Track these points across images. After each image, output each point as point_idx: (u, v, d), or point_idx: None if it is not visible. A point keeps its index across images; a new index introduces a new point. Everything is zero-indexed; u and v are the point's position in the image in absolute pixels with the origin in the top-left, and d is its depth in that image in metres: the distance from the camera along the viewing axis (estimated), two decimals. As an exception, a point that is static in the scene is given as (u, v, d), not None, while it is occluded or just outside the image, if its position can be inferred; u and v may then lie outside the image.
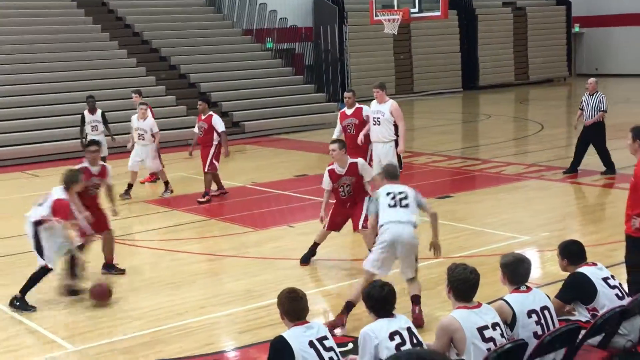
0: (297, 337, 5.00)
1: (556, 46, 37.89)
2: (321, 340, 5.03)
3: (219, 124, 13.76)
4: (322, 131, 22.75)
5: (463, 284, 5.37)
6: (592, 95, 14.75)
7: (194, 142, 14.47)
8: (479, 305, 5.44)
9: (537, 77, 37.12)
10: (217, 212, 13.33)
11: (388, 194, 7.63)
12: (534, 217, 12.08)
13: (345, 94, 13.37)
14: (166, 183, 14.73)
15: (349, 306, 7.60)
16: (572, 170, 14.97)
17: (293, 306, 5.14)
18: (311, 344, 4.98)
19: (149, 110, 14.80)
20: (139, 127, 14.60)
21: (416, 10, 18.70)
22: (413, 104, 31.33)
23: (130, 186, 14.44)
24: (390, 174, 7.97)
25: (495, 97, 32.34)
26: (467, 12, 34.93)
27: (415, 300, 7.64)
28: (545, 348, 5.42)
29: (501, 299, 5.71)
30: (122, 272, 9.82)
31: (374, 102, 12.86)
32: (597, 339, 5.91)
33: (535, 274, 9.26)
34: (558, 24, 38.05)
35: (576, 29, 39.63)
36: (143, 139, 14.56)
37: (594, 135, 14.72)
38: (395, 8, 18.97)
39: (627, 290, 6.62)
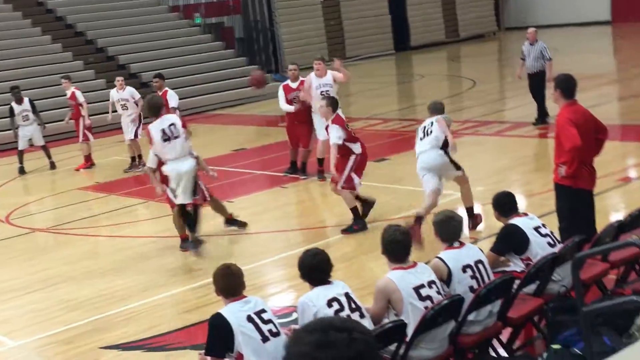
0: (234, 312, 4.98)
1: (484, 1, 38.13)
2: (259, 313, 5.01)
3: (172, 99, 13.56)
4: (257, 104, 22.62)
5: (395, 245, 5.41)
6: (533, 44, 14.71)
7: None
8: (415, 264, 5.48)
9: (468, 33, 37.32)
10: (154, 193, 13.17)
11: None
12: (470, 172, 12.21)
13: (290, 67, 13.27)
14: (139, 157, 14.88)
15: (419, 219, 8.67)
16: (542, 121, 14.81)
17: (227, 282, 5.11)
18: (249, 318, 4.96)
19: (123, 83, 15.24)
20: (121, 98, 15.04)
21: (340, -25, 18.64)
22: (347, 69, 31.24)
23: (138, 157, 14.83)
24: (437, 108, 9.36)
25: (427, 56, 32.48)
26: (394, -27, 34.89)
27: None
28: (481, 301, 5.51)
29: (436, 257, 5.77)
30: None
31: (313, 75, 12.75)
32: (532, 287, 6.02)
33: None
34: (484, -22, 38.23)
35: (502, -17, 39.88)
36: (127, 109, 14.98)
37: (537, 84, 14.73)
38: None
39: (558, 238, 6.75)
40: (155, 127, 9.27)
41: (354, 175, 9.78)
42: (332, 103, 10.07)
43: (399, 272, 5.39)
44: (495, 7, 38.69)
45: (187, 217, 9.51)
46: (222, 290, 5.14)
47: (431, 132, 9.04)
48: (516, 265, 6.32)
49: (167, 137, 9.22)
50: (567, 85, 7.24)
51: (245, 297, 5.12)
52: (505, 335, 5.91)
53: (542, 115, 14.80)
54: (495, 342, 5.85)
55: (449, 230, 5.79)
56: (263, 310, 5.06)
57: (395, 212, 10.31)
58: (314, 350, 2.07)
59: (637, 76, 20.48)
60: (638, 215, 6.69)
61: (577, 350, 5.22)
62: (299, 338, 2.13)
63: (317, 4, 24.01)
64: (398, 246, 5.40)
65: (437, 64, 30.51)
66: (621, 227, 6.57)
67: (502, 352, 5.86)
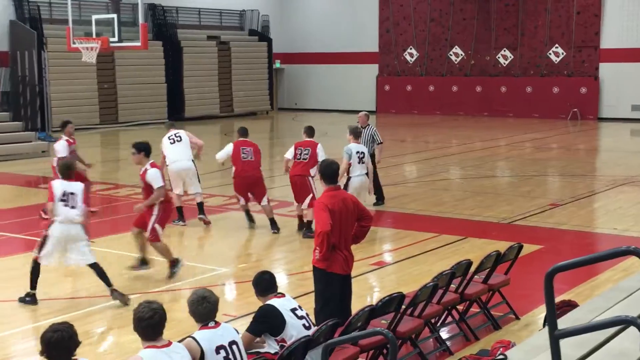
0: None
1: (259, 80, 39.22)
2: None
3: None
4: (18, 162, 21.48)
5: (142, 323, 5.22)
6: (365, 128, 14.72)
7: None
8: (169, 343, 5.31)
9: (242, 109, 38.11)
10: None
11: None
12: (234, 249, 12.27)
13: None
14: None
15: None
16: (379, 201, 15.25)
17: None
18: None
19: None
20: None
21: (116, 39, 18.39)
22: (118, 134, 30.70)
23: None
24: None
25: (201, 128, 32.51)
26: (172, 44, 35.02)
27: None
28: (232, 383, 5.43)
29: (190, 336, 5.64)
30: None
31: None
32: (284, 370, 6.04)
33: (233, 305, 9.41)
34: (260, 59, 39.42)
35: (277, 64, 41.36)
36: None
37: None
38: (94, 36, 18.51)
39: (314, 320, 6.87)
40: None
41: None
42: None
43: (151, 351, 5.19)
44: (269, 86, 39.92)
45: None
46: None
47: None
48: (270, 346, 6.33)
49: None
50: (327, 171, 7.50)
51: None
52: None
53: (379, 197, 15.21)
54: None
55: (199, 311, 5.68)
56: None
57: (154, 285, 10.09)
58: None
59: (395, 165, 21.77)
60: (388, 301, 6.97)
61: None
62: None
63: (92, 65, 23.40)
64: (146, 324, 5.22)
65: (210, 137, 30.50)
66: (372, 312, 6.81)
67: None
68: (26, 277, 10.55)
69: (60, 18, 29.79)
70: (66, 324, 5.06)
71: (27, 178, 19.73)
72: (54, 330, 4.93)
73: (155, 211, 10.21)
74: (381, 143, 15.17)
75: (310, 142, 12.86)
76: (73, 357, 4.97)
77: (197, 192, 13.86)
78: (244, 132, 13.40)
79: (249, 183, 13.13)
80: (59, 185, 9.34)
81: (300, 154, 12.74)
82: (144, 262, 10.56)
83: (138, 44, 18.17)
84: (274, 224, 13.10)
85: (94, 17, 19.16)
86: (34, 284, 9.40)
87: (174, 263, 10.36)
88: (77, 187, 9.42)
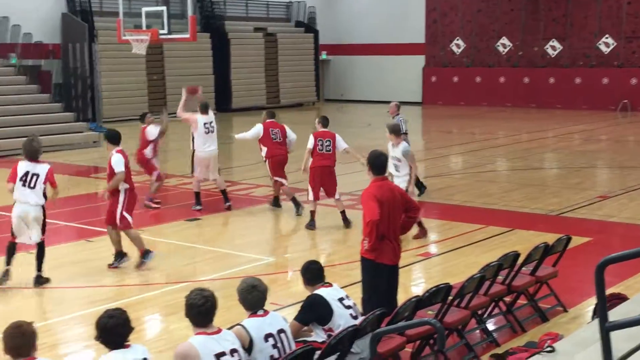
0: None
1: (305, 72, 39.31)
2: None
3: None
4: (70, 152, 21.88)
5: (195, 310, 5.33)
6: (394, 118, 14.94)
7: None
8: (219, 330, 5.42)
9: (288, 101, 38.25)
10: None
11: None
12: (280, 239, 12.38)
13: None
14: None
15: None
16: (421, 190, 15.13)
17: (16, 343, 4.84)
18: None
19: None
20: None
21: (165, 31, 18.58)
22: (168, 124, 30.94)
23: None
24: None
25: (248, 119, 32.63)
26: (220, 36, 35.29)
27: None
28: (281, 371, 5.51)
29: (239, 324, 5.74)
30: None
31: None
32: (332, 359, 6.10)
33: (279, 294, 9.50)
34: (307, 50, 39.51)
35: (323, 56, 41.39)
36: None
37: None
38: (144, 28, 18.73)
39: (361, 310, 6.92)
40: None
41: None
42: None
43: (201, 338, 5.31)
44: (316, 77, 39.99)
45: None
46: (10, 350, 4.85)
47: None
48: (318, 335, 6.39)
49: None
50: (377, 162, 7.53)
51: (35, 358, 4.86)
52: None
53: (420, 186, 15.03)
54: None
55: (249, 300, 5.77)
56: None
57: (200, 274, 10.24)
58: None
59: (442, 156, 21.70)
60: (435, 292, 7.00)
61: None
62: None
63: (141, 57, 23.71)
64: (197, 311, 5.32)
65: (256, 128, 30.80)
66: (419, 303, 6.84)
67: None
68: (78, 264, 10.81)
69: (110, 10, 30.18)
70: (120, 310, 5.19)
71: (78, 168, 20.10)
72: (110, 316, 5.06)
73: (121, 199, 10.36)
74: (405, 133, 14.75)
75: (329, 133, 12.89)
76: (126, 343, 5.09)
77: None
78: (272, 114, 14.18)
79: (282, 163, 13.75)
80: (23, 166, 9.61)
81: (322, 146, 12.73)
82: (121, 255, 10.59)
83: (187, 35, 18.33)
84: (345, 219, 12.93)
85: (144, 9, 19.36)
86: (7, 260, 9.77)
87: (144, 253, 10.48)
88: (42, 169, 9.64)
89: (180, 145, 16.84)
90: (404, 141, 12.91)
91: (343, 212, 12.89)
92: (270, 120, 14.02)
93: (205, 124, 14.12)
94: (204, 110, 14.29)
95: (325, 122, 13.04)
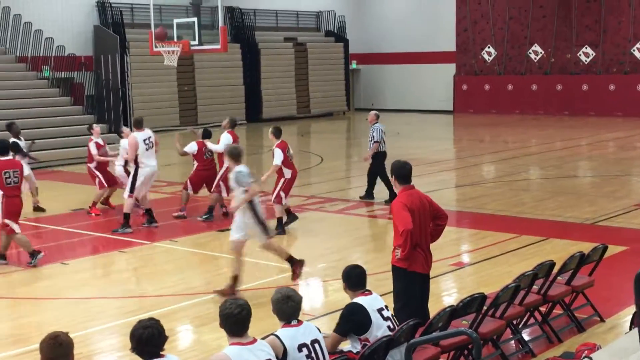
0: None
1: (335, 81, 39.35)
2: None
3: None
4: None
5: (230, 319, 5.30)
6: (371, 126, 15.41)
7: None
8: (254, 341, 5.38)
9: (318, 110, 38.31)
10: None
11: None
12: (312, 249, 12.34)
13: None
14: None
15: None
16: (368, 196, 15.76)
17: (53, 353, 4.83)
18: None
19: None
20: None
21: (196, 42, 18.69)
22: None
23: None
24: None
25: (278, 129, 32.86)
26: (250, 46, 35.46)
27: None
28: (315, 381, 5.47)
29: (272, 334, 5.71)
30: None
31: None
32: (366, 369, 6.05)
33: (312, 304, 9.47)
34: (337, 60, 39.56)
35: (353, 65, 41.42)
36: None
37: (376, 165, 15.35)
38: (175, 40, 18.87)
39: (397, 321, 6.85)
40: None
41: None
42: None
43: (236, 348, 5.28)
44: (346, 87, 40.02)
45: None
46: (48, 361, 4.85)
47: None
48: (353, 346, 6.34)
49: None
50: (400, 172, 7.49)
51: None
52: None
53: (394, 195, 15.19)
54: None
55: (284, 310, 5.73)
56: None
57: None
58: None
59: (474, 165, 21.57)
60: (469, 302, 6.92)
61: None
62: None
63: (172, 68, 23.92)
64: (232, 321, 5.29)
65: (287, 138, 30.71)
66: (453, 313, 6.77)
67: None
68: (111, 275, 10.87)
69: (142, 22, 30.51)
70: (154, 320, 5.16)
71: (111, 179, 20.17)
72: (144, 327, 5.03)
73: None
74: (377, 142, 15.30)
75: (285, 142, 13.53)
76: (161, 353, 5.08)
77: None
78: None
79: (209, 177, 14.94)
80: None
81: (289, 153, 13.55)
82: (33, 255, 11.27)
83: (218, 46, 18.41)
84: None
85: (175, 20, 19.51)
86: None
87: (32, 254, 11.19)
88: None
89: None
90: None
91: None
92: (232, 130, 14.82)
93: (144, 140, 13.57)
94: (139, 125, 13.77)
95: (278, 133, 13.60)
